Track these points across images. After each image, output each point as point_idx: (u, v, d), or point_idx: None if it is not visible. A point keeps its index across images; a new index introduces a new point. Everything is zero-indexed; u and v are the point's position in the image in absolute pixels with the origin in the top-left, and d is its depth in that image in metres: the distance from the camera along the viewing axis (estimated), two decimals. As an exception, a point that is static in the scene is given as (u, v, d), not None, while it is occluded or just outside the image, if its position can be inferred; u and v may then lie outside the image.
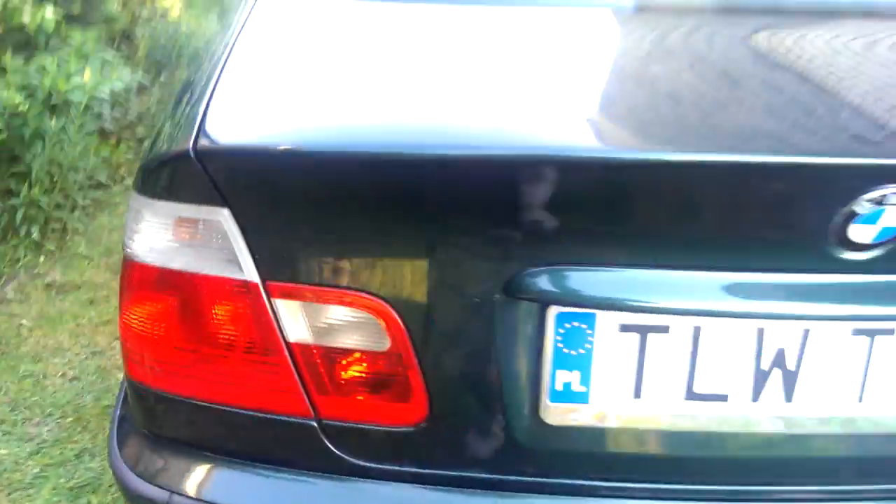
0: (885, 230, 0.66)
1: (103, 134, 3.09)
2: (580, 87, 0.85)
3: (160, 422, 0.88)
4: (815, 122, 0.78)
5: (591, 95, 0.85)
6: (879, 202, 0.64)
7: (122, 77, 3.01)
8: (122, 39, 3.92)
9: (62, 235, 2.71)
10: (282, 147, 0.72)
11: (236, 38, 0.91)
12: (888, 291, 0.72)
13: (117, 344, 2.14)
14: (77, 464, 1.72)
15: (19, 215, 2.54)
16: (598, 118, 0.81)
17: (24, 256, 2.54)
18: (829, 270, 0.70)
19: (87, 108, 2.72)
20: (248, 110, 0.82)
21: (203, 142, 0.70)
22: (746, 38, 0.96)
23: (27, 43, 2.78)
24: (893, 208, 0.65)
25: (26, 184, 2.56)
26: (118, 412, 0.97)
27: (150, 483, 0.84)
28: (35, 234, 2.58)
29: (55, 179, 2.67)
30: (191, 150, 0.69)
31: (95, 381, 2.00)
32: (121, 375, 1.94)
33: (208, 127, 0.72)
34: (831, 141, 0.77)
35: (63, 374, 2.01)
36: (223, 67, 0.84)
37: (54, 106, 2.63)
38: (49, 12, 2.74)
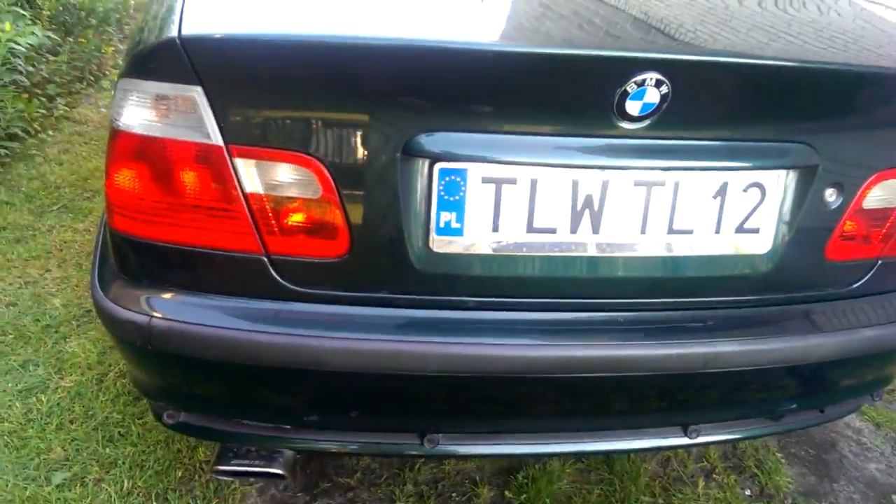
0: (646, 105, 1.00)
1: (18, 89, 3.14)
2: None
3: (140, 264, 1.12)
4: (596, 25, 1.16)
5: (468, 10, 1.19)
6: (641, 84, 0.99)
7: (36, 33, 3.08)
8: (25, 2, 3.92)
9: (-19, 184, 2.79)
10: (247, 37, 0.98)
11: None
12: (657, 152, 1.08)
13: (48, 275, 2.31)
14: (22, 372, 1.90)
15: (-62, 163, 2.61)
16: (463, 25, 1.14)
17: (-55, 203, 2.62)
18: (616, 136, 1.04)
19: (3, 61, 2.79)
20: (220, 8, 1.08)
21: (185, 32, 0.95)
22: None
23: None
24: (652, 89, 0.99)
25: (-56, 133, 2.63)
26: (96, 267, 1.20)
27: (133, 311, 1.09)
28: (-46, 182, 2.66)
29: (-27, 129, 2.74)
30: (177, 38, 0.95)
31: (32, 305, 2.15)
32: (57, 302, 2.12)
33: (187, 21, 0.97)
34: (608, 39, 1.14)
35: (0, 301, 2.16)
36: None
37: (-30, 57, 2.69)
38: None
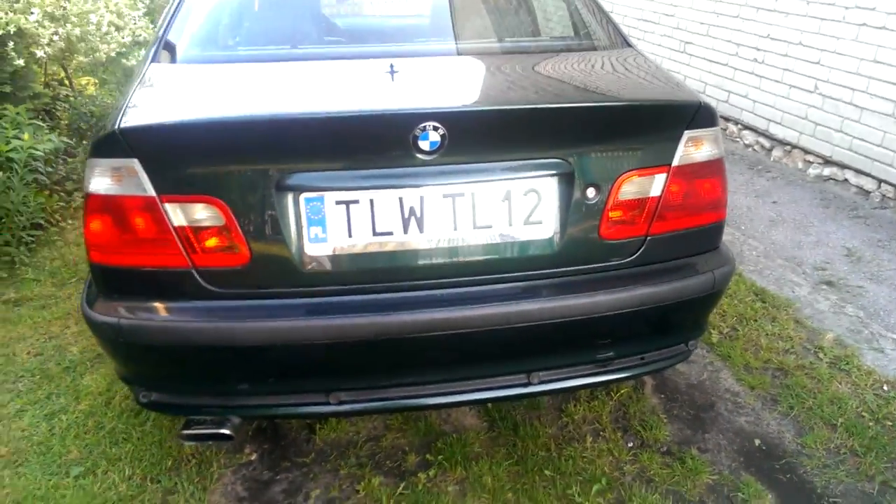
0: (433, 143, 1.49)
1: (39, 187, 3.76)
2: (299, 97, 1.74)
3: (109, 283, 1.61)
4: (394, 90, 1.70)
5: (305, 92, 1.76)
6: (424, 129, 1.49)
7: (53, 140, 3.72)
8: (45, 113, 4.62)
9: (12, 266, 3.35)
10: (163, 124, 1.52)
11: (141, 74, 1.74)
12: (454, 173, 1.55)
13: (68, 330, 2.82)
14: (47, 402, 2.39)
15: (-25, 251, 3.19)
16: (303, 102, 1.69)
17: (-18, 283, 3.18)
18: (421, 164, 1.53)
19: (25, 164, 3.40)
20: (146, 108, 1.63)
21: (123, 126, 1.48)
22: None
23: (-29, 116, 3.46)
24: (433, 132, 1.49)
25: (-21, 226, 3.22)
26: (84, 291, 1.70)
27: (107, 316, 1.58)
28: (-11, 266, 3.23)
29: (3, 221, 3.33)
30: (117, 130, 1.48)
31: (54, 354, 2.66)
32: (75, 349, 2.62)
33: (123, 118, 1.50)
34: (400, 100, 1.66)
35: (28, 353, 2.67)
36: (134, 89, 1.66)
37: (-1, 163, 3.31)
38: (-13, 91, 3.43)
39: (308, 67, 1.94)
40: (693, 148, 1.67)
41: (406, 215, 1.57)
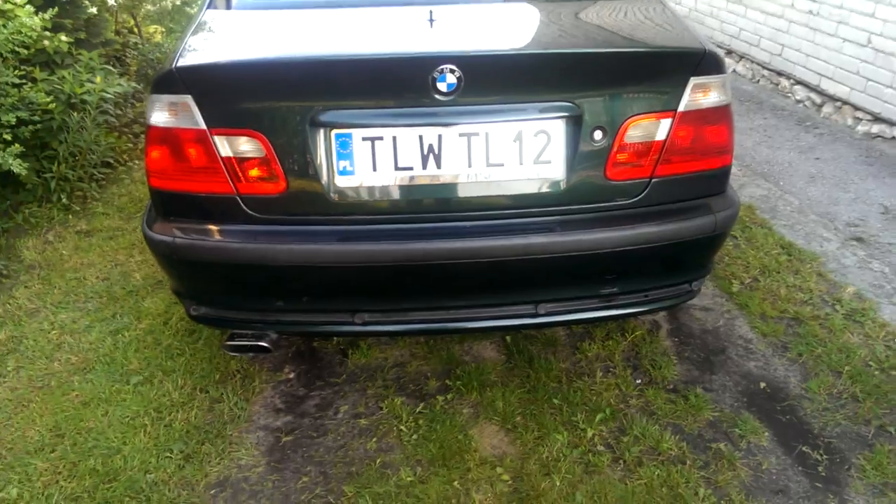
0: (450, 85, 1.63)
1: (110, 128, 4.05)
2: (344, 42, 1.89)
3: (166, 206, 1.83)
4: (413, 36, 1.83)
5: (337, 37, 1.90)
6: (442, 72, 1.62)
7: (122, 84, 3.99)
8: (116, 60, 4.91)
9: (84, 200, 3.67)
10: (213, 64, 1.71)
11: (198, 19, 1.94)
12: (470, 113, 1.68)
13: (132, 259, 3.11)
14: (112, 320, 2.68)
15: (52, 185, 3.50)
16: (337, 44, 1.83)
17: (58, 215, 3.49)
18: (439, 104, 1.67)
19: (97, 106, 3.68)
20: (200, 50, 1.81)
21: (179, 66, 1.67)
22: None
23: (49, 61, 3.74)
24: (450, 74, 1.62)
25: (55, 163, 3.52)
26: (145, 214, 1.93)
27: (163, 235, 1.80)
28: (64, 199, 3.54)
29: (77, 159, 3.63)
30: (174, 69, 1.67)
31: (119, 279, 2.95)
32: (138, 276, 2.90)
33: (179, 59, 1.69)
34: (419, 44, 1.81)
35: (97, 277, 2.97)
36: (190, 33, 1.85)
37: (73, 104, 3.58)
38: (63, 38, 3.70)
39: (348, 13, 2.08)
40: (700, 94, 1.75)
41: (425, 152, 1.72)
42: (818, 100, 4.56)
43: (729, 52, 5.59)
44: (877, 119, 4.06)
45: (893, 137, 3.96)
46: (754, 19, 5.15)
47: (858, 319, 2.55)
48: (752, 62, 5.26)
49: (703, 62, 1.75)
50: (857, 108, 4.20)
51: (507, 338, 2.48)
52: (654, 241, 1.80)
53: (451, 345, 2.47)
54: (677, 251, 1.87)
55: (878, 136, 4.07)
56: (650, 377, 2.33)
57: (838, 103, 4.36)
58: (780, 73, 4.94)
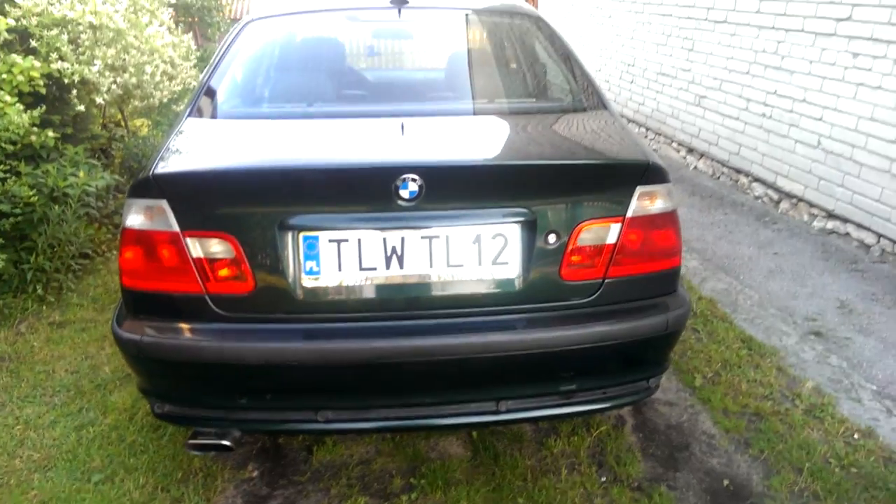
0: (412, 192, 1.73)
1: (90, 220, 4.13)
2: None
3: (136, 305, 1.88)
4: (379, 145, 1.96)
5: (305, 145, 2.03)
6: (404, 180, 1.73)
7: (105, 177, 4.10)
8: (102, 153, 5.05)
9: (59, 291, 3.69)
10: (188, 174, 1.80)
11: (178, 126, 2.04)
12: (431, 218, 1.78)
13: (103, 351, 3.11)
14: (78, 414, 2.66)
15: (28, 276, 3.53)
16: (304, 153, 1.96)
17: (32, 306, 3.50)
18: (402, 209, 1.77)
19: (79, 199, 3.77)
20: (175, 160, 1.91)
21: (156, 173, 1.77)
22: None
23: (35, 155, 3.85)
24: (412, 182, 1.73)
25: (34, 254, 3.57)
26: (115, 312, 1.97)
27: (132, 333, 1.84)
28: (39, 290, 3.56)
29: (55, 250, 3.68)
30: (151, 176, 1.77)
31: (88, 372, 2.94)
32: (107, 369, 2.90)
33: (157, 167, 1.79)
34: (384, 153, 1.91)
35: (66, 370, 2.96)
36: (169, 140, 1.95)
37: (55, 197, 3.67)
38: (50, 133, 3.83)
39: (321, 124, 2.22)
40: (647, 201, 1.87)
41: (388, 253, 1.81)
42: (775, 196, 4.78)
43: (690, 150, 5.88)
44: (830, 215, 4.25)
45: (847, 234, 4.14)
46: (713, 120, 5.46)
47: (818, 415, 2.60)
48: (713, 160, 5.53)
49: (649, 172, 1.88)
50: (811, 204, 4.41)
51: (474, 434, 2.49)
52: (608, 340, 1.87)
53: (417, 441, 2.48)
54: (631, 349, 1.94)
55: (833, 232, 4.25)
56: (615, 474, 2.34)
57: (794, 200, 4.58)
58: (738, 171, 5.19)
